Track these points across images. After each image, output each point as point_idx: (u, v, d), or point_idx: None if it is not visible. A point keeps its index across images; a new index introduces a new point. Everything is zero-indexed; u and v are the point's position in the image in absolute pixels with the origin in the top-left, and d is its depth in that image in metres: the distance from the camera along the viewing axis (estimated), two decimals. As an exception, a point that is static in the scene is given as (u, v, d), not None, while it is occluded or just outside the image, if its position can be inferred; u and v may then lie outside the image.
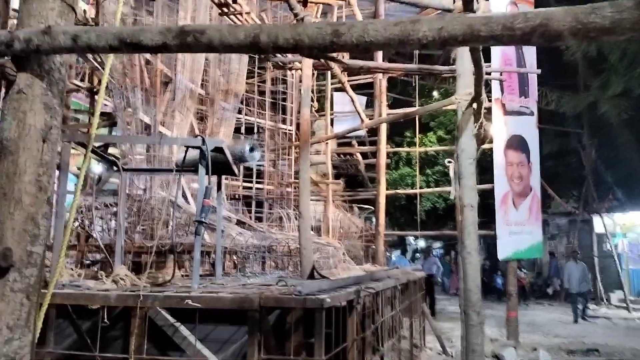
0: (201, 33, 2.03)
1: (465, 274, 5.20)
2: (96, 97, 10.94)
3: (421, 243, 38.13)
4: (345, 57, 10.76)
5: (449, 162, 10.98)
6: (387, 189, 12.31)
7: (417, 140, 14.20)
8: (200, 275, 6.28)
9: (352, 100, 9.70)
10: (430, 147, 16.88)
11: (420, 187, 25.79)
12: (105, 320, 3.82)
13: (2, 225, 2.19)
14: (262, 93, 11.84)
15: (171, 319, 3.63)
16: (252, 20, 6.03)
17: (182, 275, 5.31)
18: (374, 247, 12.60)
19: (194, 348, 4.65)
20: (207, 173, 4.11)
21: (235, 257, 6.67)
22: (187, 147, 4.29)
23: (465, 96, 5.19)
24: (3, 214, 2.20)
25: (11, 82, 2.32)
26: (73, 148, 4.38)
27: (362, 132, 15.95)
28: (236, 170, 5.25)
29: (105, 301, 3.63)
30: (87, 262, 7.12)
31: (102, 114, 10.75)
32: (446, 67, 6.85)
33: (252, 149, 5.16)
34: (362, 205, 11.60)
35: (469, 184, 5.14)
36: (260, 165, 11.35)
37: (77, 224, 7.03)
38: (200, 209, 4.02)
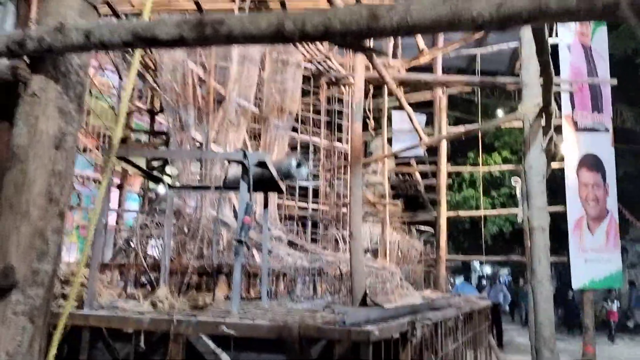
0: (220, 24, 1.76)
1: (536, 304, 4.66)
2: (156, 117, 11.11)
3: (487, 269, 36.65)
4: (401, 70, 10.42)
5: (516, 181, 10.33)
6: (449, 211, 11.74)
7: (480, 160, 13.52)
8: (248, 299, 6.03)
9: (410, 117, 9.30)
10: (494, 166, 16.05)
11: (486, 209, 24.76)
12: (142, 345, 3.60)
13: (6, 240, 1.99)
14: (317, 112, 11.65)
15: (212, 345, 3.36)
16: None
17: (226, 297, 5.06)
18: (434, 272, 12.02)
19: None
20: (249, 189, 3.86)
21: (284, 280, 6.38)
22: (229, 161, 4.06)
23: (532, 108, 4.72)
24: (8, 227, 2.00)
25: (26, 86, 2.15)
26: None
27: (421, 152, 15.47)
28: (283, 187, 4.98)
29: (138, 325, 3.41)
30: (144, 281, 7.06)
31: (158, 132, 10.88)
32: (510, 79, 6.36)
33: (298, 165, 4.89)
34: (422, 228, 11.09)
35: (538, 204, 4.63)
36: (315, 184, 11.10)
37: (132, 243, 6.99)
38: (240, 227, 3.75)
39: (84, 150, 10.23)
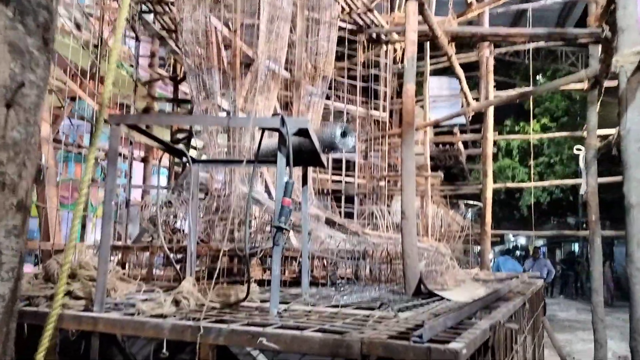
0: None
1: (633, 295, 3.86)
2: (180, 85, 10.41)
3: (521, 240, 35.54)
4: (452, 23, 9.45)
5: (578, 149, 9.38)
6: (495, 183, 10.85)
7: (531, 126, 12.46)
8: (283, 283, 5.35)
9: (459, 80, 8.39)
10: (545, 133, 14.92)
11: (522, 181, 23.71)
12: (165, 351, 2.96)
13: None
14: (352, 78, 10.80)
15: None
16: None
17: (258, 282, 4.37)
18: (474, 248, 11.22)
19: (274, 385, 3.69)
20: (288, 163, 3.12)
21: (324, 263, 5.69)
22: (263, 129, 3.32)
23: (631, 57, 3.83)
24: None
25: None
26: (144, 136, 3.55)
27: (463, 120, 14.52)
28: (325, 160, 4.23)
29: (158, 332, 2.75)
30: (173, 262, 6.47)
31: (182, 100, 10.20)
32: (584, 30, 5.43)
33: (344, 134, 4.13)
34: (468, 202, 10.29)
35: (637, 176, 3.79)
36: (350, 156, 10.33)
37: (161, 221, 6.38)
38: (279, 211, 3.03)
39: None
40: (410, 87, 4.75)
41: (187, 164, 4.41)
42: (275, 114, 3.14)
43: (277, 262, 3.11)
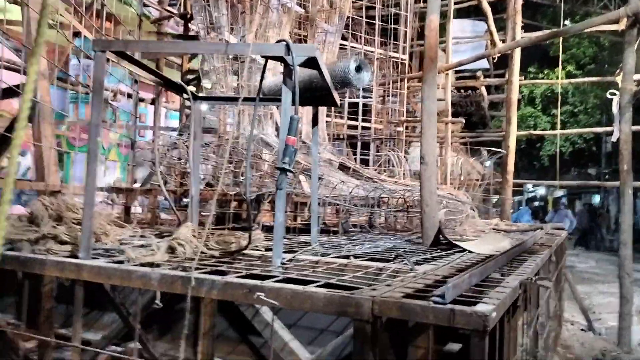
0: None
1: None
2: (190, 24, 9.91)
3: (541, 191, 34.97)
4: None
5: (612, 94, 8.80)
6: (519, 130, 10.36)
7: (559, 72, 11.78)
8: (292, 230, 5.07)
9: (486, 17, 7.79)
10: (577, 79, 14.14)
11: (544, 129, 23.01)
12: (158, 302, 2.70)
13: None
14: (370, 17, 10.19)
15: (268, 315, 2.44)
16: None
17: (267, 229, 4.09)
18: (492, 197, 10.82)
19: (279, 338, 3.46)
20: (294, 98, 2.75)
21: (337, 210, 5.38)
22: (266, 58, 2.93)
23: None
24: None
25: None
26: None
27: (486, 64, 13.86)
28: (337, 99, 3.84)
29: (145, 283, 2.47)
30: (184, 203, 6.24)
31: (191, 37, 9.72)
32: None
33: (359, 68, 3.71)
34: (491, 149, 9.83)
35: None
36: (367, 100, 9.87)
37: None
38: (283, 150, 2.68)
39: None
40: (433, 18, 4.29)
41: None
42: (280, 41, 2.73)
43: (281, 207, 2.79)
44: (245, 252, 3.26)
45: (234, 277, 2.38)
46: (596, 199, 29.86)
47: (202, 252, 3.00)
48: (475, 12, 15.32)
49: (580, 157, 27.23)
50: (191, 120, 4.30)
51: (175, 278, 2.40)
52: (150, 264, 2.70)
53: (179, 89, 4.00)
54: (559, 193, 30.07)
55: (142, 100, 11.71)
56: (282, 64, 2.83)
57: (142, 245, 3.23)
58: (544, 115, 25.07)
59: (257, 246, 3.58)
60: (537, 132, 14.42)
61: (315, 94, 3.90)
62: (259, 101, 3.93)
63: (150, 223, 5.32)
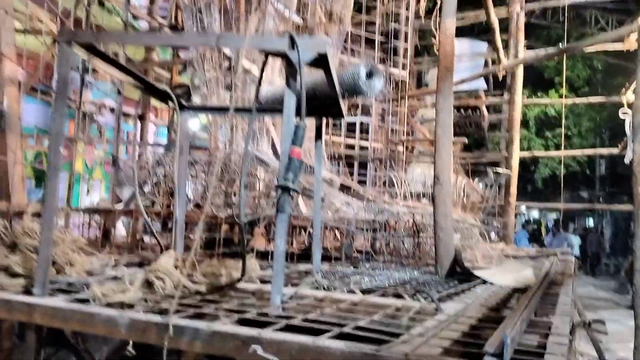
0: None
1: None
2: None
3: (534, 213, 34.59)
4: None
5: (625, 113, 8.43)
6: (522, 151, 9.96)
7: (563, 91, 11.44)
8: (288, 256, 4.56)
9: (493, 33, 7.42)
10: (578, 96, 13.80)
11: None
12: (131, 349, 2.19)
13: None
14: (370, 32, 9.83)
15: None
16: None
17: (262, 255, 3.57)
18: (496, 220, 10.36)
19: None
20: (299, 103, 2.28)
21: (337, 234, 4.89)
22: (267, 54, 2.46)
23: None
24: None
25: None
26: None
27: (484, 84, 13.56)
28: (344, 109, 3.39)
29: (111, 329, 1.97)
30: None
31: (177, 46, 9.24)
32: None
33: (370, 74, 3.26)
34: (497, 169, 9.42)
35: None
36: (365, 119, 9.46)
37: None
38: (286, 165, 2.21)
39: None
40: (449, 23, 3.87)
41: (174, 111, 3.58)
42: (286, 32, 2.27)
43: (282, 234, 2.30)
44: (238, 285, 2.77)
45: (223, 324, 1.88)
46: (589, 222, 29.58)
47: (184, 288, 2.50)
48: (473, 32, 15.09)
49: (574, 180, 27.01)
50: (177, 132, 3.83)
51: (149, 324, 1.91)
52: (121, 304, 2.20)
53: (163, 96, 3.53)
54: (553, 216, 29.74)
55: (126, 115, 11.23)
56: (285, 64, 2.37)
57: (114, 278, 2.72)
58: (538, 137, 24.87)
59: (251, 278, 3.09)
60: (541, 152, 14.08)
61: (319, 103, 3.45)
62: (252, 112, 3.46)
63: (130, 248, 4.80)
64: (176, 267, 2.81)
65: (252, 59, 5.66)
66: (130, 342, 2.20)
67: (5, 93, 4.13)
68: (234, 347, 1.74)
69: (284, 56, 2.33)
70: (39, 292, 2.26)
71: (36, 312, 2.11)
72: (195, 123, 9.11)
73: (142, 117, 10.00)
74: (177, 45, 3.92)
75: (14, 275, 2.40)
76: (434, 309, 2.34)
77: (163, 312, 2.00)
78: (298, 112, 2.32)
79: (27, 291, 2.31)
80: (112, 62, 2.72)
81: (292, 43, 2.26)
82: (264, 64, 2.52)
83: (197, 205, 5.36)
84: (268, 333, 1.76)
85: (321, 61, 2.43)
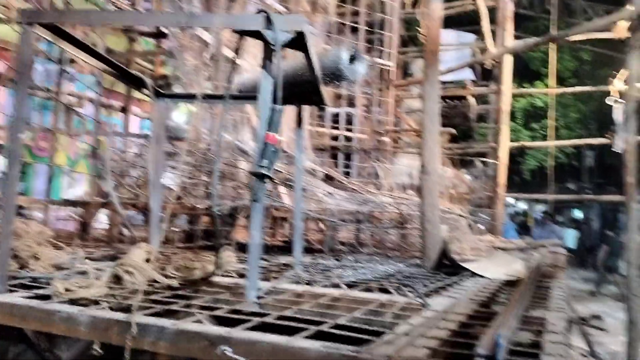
0: None
1: None
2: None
3: (521, 205, 34.71)
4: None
5: (615, 101, 8.36)
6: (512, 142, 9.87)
7: (554, 79, 11.32)
8: (271, 248, 4.42)
9: (480, 21, 7.29)
10: (572, 88, 13.70)
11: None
12: (97, 348, 2.04)
13: None
14: (354, 23, 9.68)
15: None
16: None
17: (242, 247, 3.43)
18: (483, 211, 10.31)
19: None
20: (275, 86, 2.14)
21: (322, 227, 4.76)
22: (241, 34, 2.31)
23: None
24: None
25: None
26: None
27: (471, 74, 13.46)
28: (326, 97, 3.24)
29: (70, 328, 1.82)
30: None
31: (155, 34, 9.01)
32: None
33: (352, 58, 3.12)
34: (485, 159, 9.35)
35: None
36: (351, 109, 9.33)
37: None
38: (261, 150, 2.06)
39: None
40: (435, 6, 3.73)
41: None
42: (260, 11, 2.11)
43: (257, 224, 2.16)
44: (213, 279, 2.62)
45: (191, 322, 1.74)
46: (577, 214, 29.70)
47: (153, 282, 2.36)
48: (460, 24, 14.97)
49: (561, 171, 27.12)
50: (155, 121, 3.66)
51: (111, 323, 1.76)
52: (85, 301, 2.05)
53: (137, 83, 3.36)
54: (540, 208, 29.83)
55: (109, 107, 10.98)
56: (262, 45, 2.22)
57: (82, 273, 2.57)
58: (525, 129, 24.88)
59: (228, 271, 2.95)
60: (530, 143, 14.03)
61: (299, 90, 3.30)
62: (232, 100, 3.32)
63: (108, 241, 4.63)
64: (148, 260, 2.67)
65: (233, 48, 5.49)
66: (96, 342, 2.06)
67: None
68: (201, 347, 1.60)
69: (259, 36, 2.18)
70: (-4, 288, 2.10)
71: (-10, 310, 1.95)
72: (181, 115, 8.91)
73: (124, 109, 9.76)
74: (146, 24, 3.75)
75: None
76: (421, 305, 2.22)
77: (128, 309, 1.86)
78: (275, 97, 2.18)
79: (-15, 288, 2.15)
80: (80, 44, 2.54)
81: (268, 21, 2.11)
82: (238, 45, 2.37)
83: (179, 197, 5.19)
84: (238, 332, 1.62)
85: (299, 41, 2.28)
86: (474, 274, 3.35)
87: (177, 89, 9.29)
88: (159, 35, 7.36)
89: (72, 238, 5.01)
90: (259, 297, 2.20)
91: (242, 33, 2.28)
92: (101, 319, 1.78)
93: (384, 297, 2.38)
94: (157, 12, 3.34)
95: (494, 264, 3.97)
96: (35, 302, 1.95)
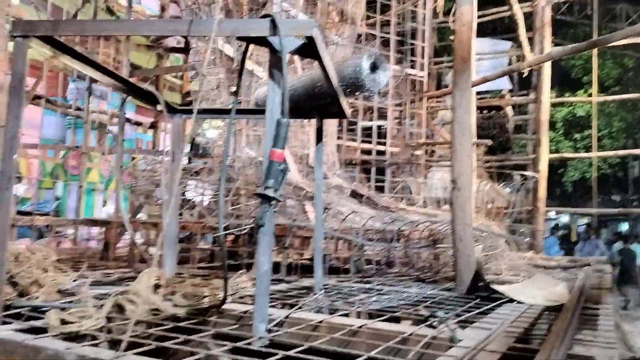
0: None
1: None
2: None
3: (563, 218, 33.55)
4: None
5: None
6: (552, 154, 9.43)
7: (594, 87, 10.83)
8: (293, 268, 4.20)
9: (517, 28, 6.98)
10: (608, 95, 13.16)
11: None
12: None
13: None
14: (385, 34, 9.47)
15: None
16: None
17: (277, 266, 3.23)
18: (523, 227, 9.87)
19: None
20: (283, 94, 1.94)
21: (347, 247, 4.52)
22: (247, 44, 2.13)
23: None
24: None
25: None
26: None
27: (508, 84, 13.05)
28: (346, 108, 3.04)
29: (55, 368, 1.64)
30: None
31: (176, 49, 8.96)
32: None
33: (374, 66, 2.90)
34: (523, 173, 8.95)
35: None
36: (382, 122, 9.09)
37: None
38: (266, 170, 1.86)
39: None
40: (465, 10, 3.49)
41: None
42: (265, 16, 1.92)
43: (266, 251, 1.95)
44: (224, 307, 2.43)
45: (184, 364, 1.53)
46: (623, 227, 28.49)
47: (155, 312, 2.17)
48: (495, 32, 14.61)
49: (605, 183, 26.13)
50: (172, 137, 3.53)
51: (97, 364, 1.57)
52: (77, 335, 1.88)
53: (150, 100, 3.23)
54: (584, 221, 28.74)
55: (139, 124, 11.05)
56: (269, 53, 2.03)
57: (79, 301, 2.40)
58: (566, 140, 24.08)
59: (242, 297, 2.75)
60: (572, 154, 13.47)
61: (318, 103, 3.11)
62: (248, 115, 3.14)
63: (129, 261, 4.51)
64: (159, 286, 2.49)
65: (257, 61, 5.36)
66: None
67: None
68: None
69: (265, 43, 1.99)
70: (-15, 320, 1.96)
71: (-25, 347, 1.80)
72: (212, 131, 8.85)
73: (154, 126, 9.79)
74: (144, 33, 3.63)
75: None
76: (450, 339, 1.97)
77: (115, 344, 1.67)
78: (282, 109, 1.98)
79: (-24, 319, 2.01)
80: (81, 57, 2.41)
81: (274, 26, 1.92)
82: (244, 53, 2.19)
83: (201, 216, 5.05)
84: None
85: (310, 48, 2.08)
86: (511, 299, 3.06)
87: (201, 105, 9.24)
88: (184, 50, 7.33)
89: (94, 258, 4.93)
90: (269, 331, 1.99)
91: (248, 40, 2.09)
92: (87, 358, 1.59)
93: (408, 329, 2.13)
94: (157, 21, 3.19)
95: (534, 287, 3.65)
96: (24, 337, 1.78)
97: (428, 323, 2.23)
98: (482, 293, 3.28)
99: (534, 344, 2.03)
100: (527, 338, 2.12)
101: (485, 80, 8.52)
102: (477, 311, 2.63)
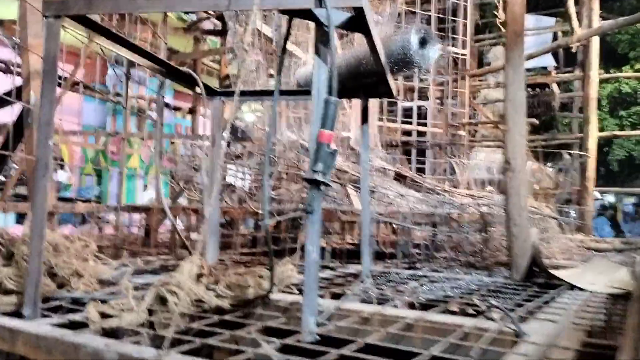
0: None
1: None
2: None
3: (608, 198, 32.50)
4: None
5: None
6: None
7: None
8: (338, 253, 4.09)
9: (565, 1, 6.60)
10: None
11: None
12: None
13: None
14: (424, 12, 9.16)
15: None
16: None
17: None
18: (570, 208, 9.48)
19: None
20: (331, 74, 1.79)
21: (392, 231, 4.37)
22: (289, 14, 1.98)
23: None
24: None
25: None
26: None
27: (551, 61, 12.53)
28: (394, 87, 2.86)
29: (96, 364, 1.56)
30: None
31: (211, 32, 8.83)
32: None
33: (423, 41, 2.72)
34: (572, 152, 8.58)
35: None
36: (423, 102, 8.83)
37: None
38: (314, 152, 1.73)
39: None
40: (518, -22, 3.25)
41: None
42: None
43: (315, 240, 1.82)
44: (269, 297, 2.32)
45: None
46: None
47: (198, 304, 2.08)
48: (537, 8, 14.02)
49: (655, 161, 25.11)
50: (212, 121, 3.44)
51: (137, 363, 1.48)
52: (112, 332, 1.80)
53: (189, 82, 3.13)
54: (631, 200, 27.73)
55: (178, 109, 11.08)
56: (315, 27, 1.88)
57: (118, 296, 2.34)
58: (612, 117, 23.16)
59: (289, 286, 2.64)
60: (622, 132, 12.83)
61: (364, 82, 2.95)
62: (290, 95, 3.01)
63: (170, 248, 4.48)
64: (201, 275, 2.41)
65: (296, 41, 5.20)
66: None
67: (32, 88, 3.88)
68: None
69: (310, 16, 1.84)
70: (28, 312, 1.90)
71: (19, 340, 1.74)
72: (250, 115, 8.77)
73: (192, 111, 9.78)
74: (181, 9, 3.54)
75: (6, 292, 2.05)
76: (515, 334, 1.81)
77: (158, 340, 1.58)
78: (330, 88, 1.83)
79: (18, 312, 1.96)
80: (117, 38, 2.32)
81: (319, -2, 1.77)
82: (288, 28, 2.04)
83: (241, 201, 4.98)
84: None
85: (359, 21, 1.92)
86: (571, 286, 2.86)
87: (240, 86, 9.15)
88: (221, 33, 7.23)
89: (135, 244, 4.92)
90: (318, 325, 1.87)
91: (291, 13, 1.95)
92: (128, 357, 1.50)
93: (468, 322, 1.98)
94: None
95: (594, 272, 3.44)
96: (63, 332, 1.71)
97: (488, 315, 2.08)
98: (540, 279, 3.10)
99: (607, 338, 1.85)
100: (600, 331, 1.94)
101: (531, 57, 8.15)
102: (539, 301, 2.46)
